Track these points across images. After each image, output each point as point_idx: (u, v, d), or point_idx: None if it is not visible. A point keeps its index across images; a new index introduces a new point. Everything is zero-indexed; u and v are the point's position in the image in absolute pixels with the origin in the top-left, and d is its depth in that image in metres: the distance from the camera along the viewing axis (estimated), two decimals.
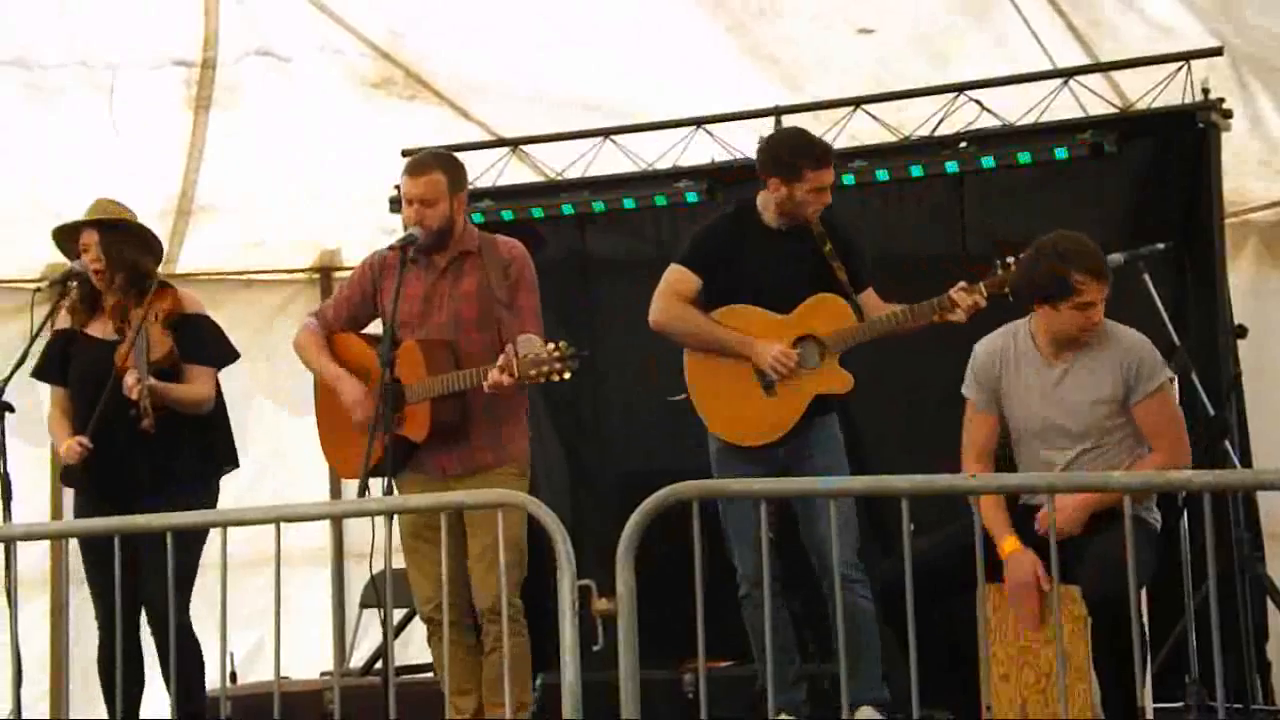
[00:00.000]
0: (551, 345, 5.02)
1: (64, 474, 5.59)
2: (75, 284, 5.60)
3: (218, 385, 5.66)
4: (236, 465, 5.77)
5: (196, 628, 5.43)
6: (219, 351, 5.70)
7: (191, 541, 5.12)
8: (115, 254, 5.54)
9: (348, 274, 5.95)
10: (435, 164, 5.34)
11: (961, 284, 5.25)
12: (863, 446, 5.55)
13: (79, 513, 5.62)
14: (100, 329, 5.61)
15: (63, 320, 5.64)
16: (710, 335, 5.47)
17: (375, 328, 5.52)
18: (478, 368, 5.15)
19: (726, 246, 5.51)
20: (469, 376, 5.15)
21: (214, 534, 4.51)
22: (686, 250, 5.56)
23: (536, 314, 5.34)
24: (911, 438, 6.42)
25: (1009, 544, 4.81)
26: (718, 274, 5.48)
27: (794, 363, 5.36)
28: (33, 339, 5.57)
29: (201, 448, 5.60)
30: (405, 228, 5.35)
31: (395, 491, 5.15)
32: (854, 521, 5.37)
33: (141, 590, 5.25)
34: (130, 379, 5.36)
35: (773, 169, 5.45)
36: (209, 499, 5.55)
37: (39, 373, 5.66)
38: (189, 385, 5.54)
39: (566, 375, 5.02)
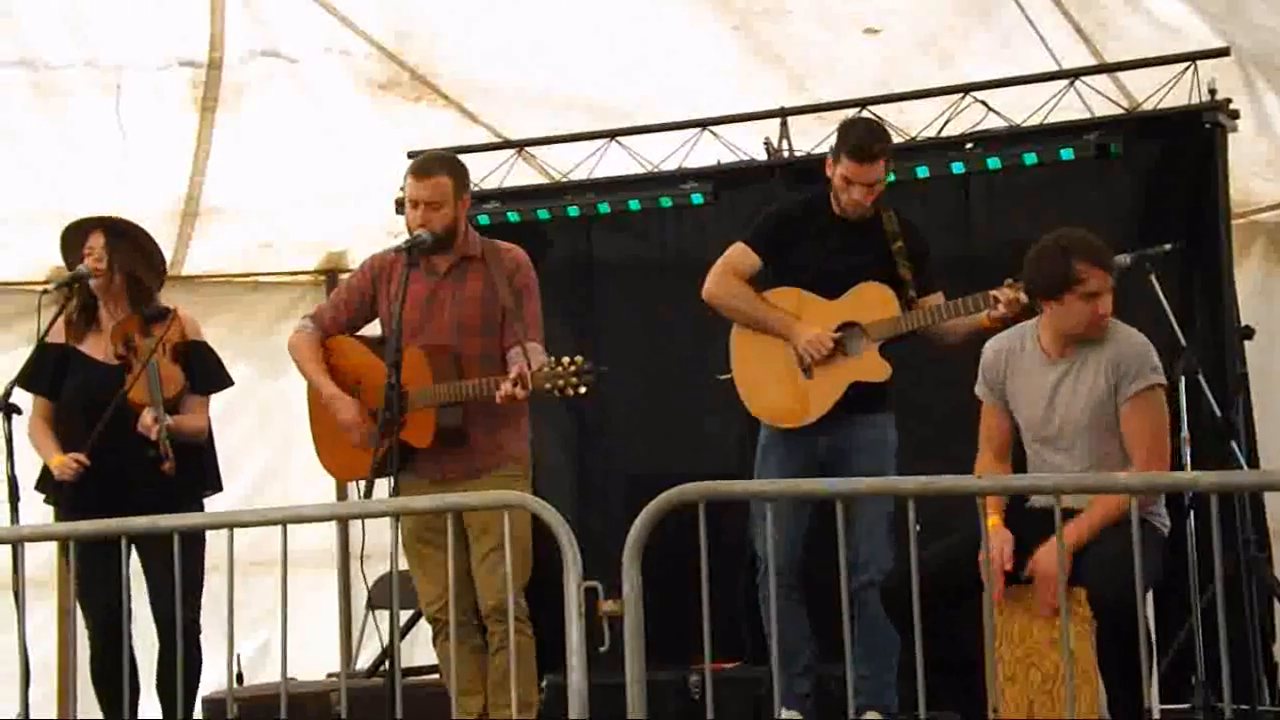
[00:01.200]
0: (568, 360, 5.00)
1: (44, 486, 5.54)
2: (78, 287, 5.59)
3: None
4: (220, 489, 5.76)
5: (203, 630, 5.43)
6: (218, 381, 5.74)
7: (193, 552, 5.12)
8: (118, 258, 5.54)
9: None
10: (441, 166, 5.32)
11: (1008, 281, 5.17)
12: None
13: None
14: (100, 350, 5.57)
15: (56, 334, 5.59)
16: (756, 313, 5.51)
17: (370, 330, 5.50)
18: (488, 378, 5.12)
19: (793, 229, 5.54)
20: (479, 387, 5.13)
21: (221, 536, 4.50)
22: (754, 229, 5.61)
23: (539, 322, 5.33)
24: (942, 446, 6.38)
25: (991, 521, 4.77)
26: (781, 255, 5.52)
27: (827, 348, 5.37)
28: (40, 341, 5.57)
29: (194, 472, 5.57)
30: (409, 230, 5.31)
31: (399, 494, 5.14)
32: (892, 524, 5.35)
33: (152, 598, 5.27)
34: (148, 418, 5.34)
35: (830, 150, 5.51)
36: None
37: (28, 382, 5.57)
38: (193, 416, 5.57)
39: (583, 390, 5.00)
